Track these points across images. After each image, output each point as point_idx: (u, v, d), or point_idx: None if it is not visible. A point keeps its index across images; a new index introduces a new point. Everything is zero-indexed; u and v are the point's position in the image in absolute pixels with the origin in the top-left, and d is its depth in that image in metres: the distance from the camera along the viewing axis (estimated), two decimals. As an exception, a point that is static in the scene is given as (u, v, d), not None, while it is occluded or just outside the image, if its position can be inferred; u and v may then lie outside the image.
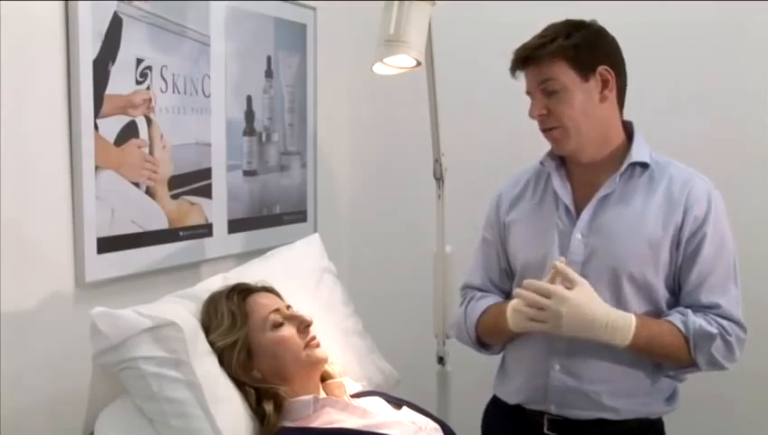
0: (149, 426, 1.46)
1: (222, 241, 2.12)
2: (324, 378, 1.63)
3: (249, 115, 2.21)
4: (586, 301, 1.52)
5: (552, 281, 1.54)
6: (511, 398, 1.73)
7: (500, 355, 1.81)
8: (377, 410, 1.57)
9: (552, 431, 1.66)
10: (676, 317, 1.57)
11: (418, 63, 1.83)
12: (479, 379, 1.86)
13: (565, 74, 1.58)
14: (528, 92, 1.65)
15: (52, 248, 1.65)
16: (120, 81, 1.76)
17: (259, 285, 1.66)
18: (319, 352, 1.57)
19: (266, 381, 1.53)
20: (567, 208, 1.66)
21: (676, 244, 1.59)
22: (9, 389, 1.56)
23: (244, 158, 2.20)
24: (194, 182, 2.01)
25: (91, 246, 1.71)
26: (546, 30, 1.63)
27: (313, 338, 1.58)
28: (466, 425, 1.79)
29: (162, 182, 1.90)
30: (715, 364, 1.58)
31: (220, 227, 2.11)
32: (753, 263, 1.78)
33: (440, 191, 2.08)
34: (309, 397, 1.53)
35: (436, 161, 2.06)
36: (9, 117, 1.54)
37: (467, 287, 1.84)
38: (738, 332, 1.58)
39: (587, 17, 1.65)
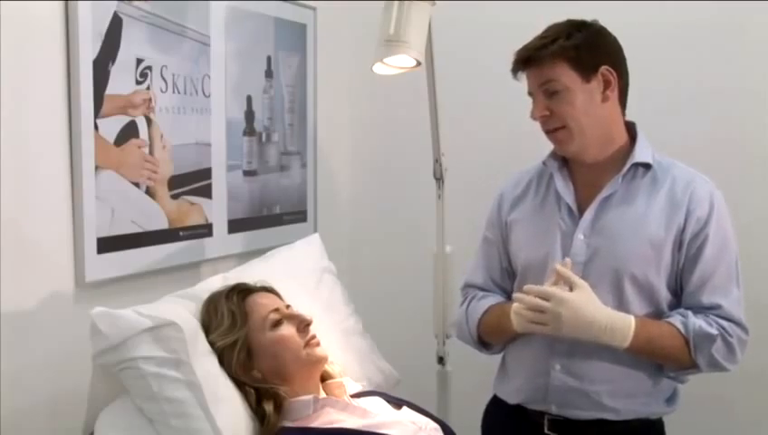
0: (149, 426, 1.46)
1: (222, 241, 2.12)
2: (324, 378, 1.63)
3: (249, 115, 2.21)
4: (585, 303, 1.52)
5: (555, 284, 1.54)
6: (511, 398, 1.73)
7: (500, 355, 1.81)
8: (377, 410, 1.57)
9: (552, 431, 1.66)
10: (676, 319, 1.57)
11: (418, 63, 1.83)
12: (479, 379, 1.86)
13: (566, 75, 1.58)
14: (530, 93, 1.65)
15: (52, 248, 1.65)
16: (120, 81, 1.76)
17: (259, 284, 1.66)
18: (319, 351, 1.57)
19: (266, 381, 1.53)
20: (569, 209, 1.66)
21: (679, 245, 1.59)
22: (9, 389, 1.56)
23: (244, 158, 2.20)
24: (194, 182, 2.01)
25: (91, 246, 1.71)
26: (547, 30, 1.63)
27: (313, 337, 1.58)
28: (466, 425, 1.79)
29: (162, 182, 1.90)
30: (715, 366, 1.58)
31: (220, 227, 2.11)
32: (754, 263, 1.78)
33: (440, 191, 2.08)
34: (309, 397, 1.53)
35: (436, 161, 2.06)
36: (9, 117, 1.54)
37: (469, 286, 1.84)
38: (739, 333, 1.58)
39: (588, 17, 1.65)
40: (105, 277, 1.75)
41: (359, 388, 1.69)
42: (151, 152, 1.86)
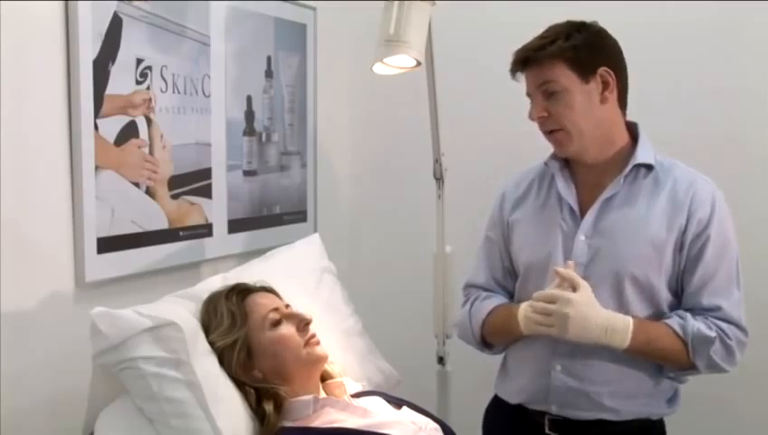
0: (149, 426, 1.46)
1: (222, 241, 2.12)
2: (324, 378, 1.63)
3: (249, 115, 2.21)
4: (588, 303, 1.52)
5: (559, 286, 1.54)
6: (512, 398, 1.73)
7: (500, 355, 1.81)
8: (377, 410, 1.57)
9: (552, 431, 1.66)
10: (674, 321, 1.57)
11: (418, 63, 1.83)
12: (479, 379, 1.86)
13: (565, 76, 1.58)
14: (528, 94, 1.65)
15: (52, 248, 1.65)
16: (120, 81, 1.76)
17: (258, 284, 1.66)
18: (319, 350, 1.57)
19: (266, 381, 1.53)
20: (571, 210, 1.66)
21: (680, 246, 1.59)
22: (9, 389, 1.56)
23: (244, 158, 2.20)
24: (194, 182, 2.01)
25: (91, 246, 1.71)
26: (546, 31, 1.62)
27: (313, 336, 1.58)
28: (466, 425, 1.79)
29: (162, 182, 1.90)
30: (714, 367, 1.58)
31: (220, 227, 2.11)
32: (754, 263, 1.78)
33: (440, 191, 2.08)
34: (309, 397, 1.53)
35: (436, 161, 2.06)
36: (9, 117, 1.54)
37: (471, 286, 1.84)
38: (739, 335, 1.58)
39: (588, 17, 1.64)
40: (105, 277, 1.75)
41: (359, 388, 1.69)
42: (151, 152, 1.86)
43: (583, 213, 1.65)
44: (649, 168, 1.63)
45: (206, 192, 2.05)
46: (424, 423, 1.58)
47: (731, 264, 1.60)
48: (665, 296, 1.60)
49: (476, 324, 1.77)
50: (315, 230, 2.44)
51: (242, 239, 2.20)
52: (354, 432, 1.47)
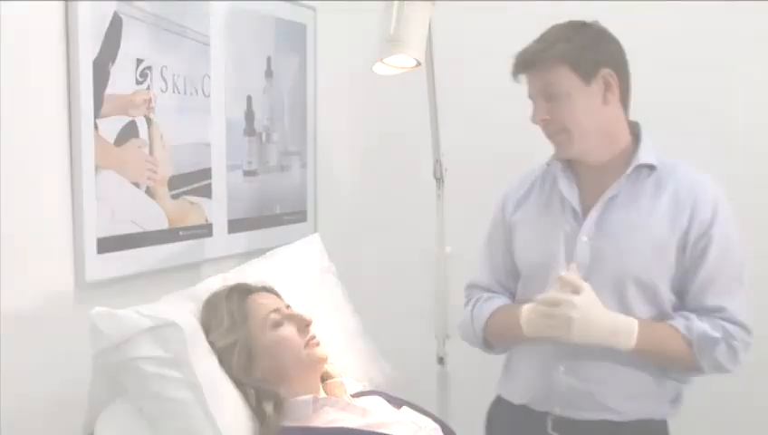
0: (149, 426, 1.46)
1: (222, 241, 2.11)
2: (324, 378, 1.63)
3: (249, 115, 2.21)
4: (592, 305, 1.52)
5: (562, 289, 1.54)
6: (516, 398, 1.73)
7: (504, 355, 1.81)
8: (377, 410, 1.57)
9: (555, 432, 1.66)
10: (679, 322, 1.57)
11: (418, 63, 1.83)
12: (479, 379, 1.86)
13: (567, 78, 1.57)
14: (530, 96, 1.64)
15: (52, 248, 1.65)
16: (120, 81, 1.76)
17: (259, 285, 1.66)
18: (319, 351, 1.57)
19: (266, 382, 1.53)
20: (574, 210, 1.65)
21: (683, 247, 1.58)
22: (9, 389, 1.56)
23: (244, 158, 2.20)
24: (194, 182, 2.01)
25: (91, 246, 1.71)
26: (547, 33, 1.62)
27: (313, 337, 1.58)
28: (467, 425, 1.79)
29: (162, 182, 1.90)
30: (719, 368, 1.58)
31: (220, 227, 2.11)
32: (754, 263, 1.78)
33: (440, 191, 2.08)
34: (309, 397, 1.53)
35: (437, 161, 2.06)
36: (9, 117, 1.54)
37: (473, 287, 1.83)
38: (743, 335, 1.57)
39: (589, 18, 1.64)
40: (105, 277, 1.75)
41: (359, 388, 1.69)
42: (151, 152, 1.86)
43: (585, 214, 1.64)
44: (652, 168, 1.62)
45: (206, 192, 2.05)
46: (424, 423, 1.58)
47: (734, 264, 1.59)
48: (667, 297, 1.60)
49: (479, 326, 1.76)
50: (315, 230, 2.43)
51: (242, 239, 2.19)
52: (354, 432, 1.47)
